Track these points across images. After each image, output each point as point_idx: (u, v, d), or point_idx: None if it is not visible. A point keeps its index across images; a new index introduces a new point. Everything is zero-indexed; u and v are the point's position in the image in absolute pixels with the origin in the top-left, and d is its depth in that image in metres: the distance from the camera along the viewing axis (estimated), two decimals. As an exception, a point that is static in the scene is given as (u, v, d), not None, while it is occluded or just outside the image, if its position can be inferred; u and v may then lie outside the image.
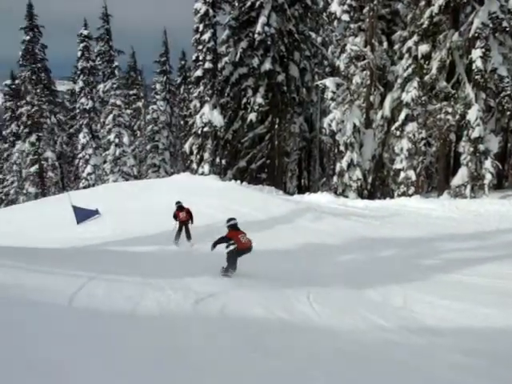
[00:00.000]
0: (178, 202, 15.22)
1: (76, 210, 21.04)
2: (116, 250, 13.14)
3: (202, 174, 31.95)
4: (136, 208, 20.45)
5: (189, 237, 14.65)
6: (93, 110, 45.53)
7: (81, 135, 45.11)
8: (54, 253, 11.87)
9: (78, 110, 47.10)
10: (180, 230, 14.79)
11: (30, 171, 45.20)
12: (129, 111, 46.79)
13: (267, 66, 31.24)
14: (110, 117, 40.71)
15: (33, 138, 44.99)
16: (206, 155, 32.84)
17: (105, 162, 41.91)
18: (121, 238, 15.24)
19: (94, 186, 40.36)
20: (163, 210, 16.61)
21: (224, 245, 9.86)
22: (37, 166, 45.14)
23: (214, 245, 9.90)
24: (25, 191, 45.79)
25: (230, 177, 32.47)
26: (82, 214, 20.99)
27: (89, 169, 43.65)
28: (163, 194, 21.71)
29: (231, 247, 9.79)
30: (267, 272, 10.39)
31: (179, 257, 12.54)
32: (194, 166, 33.66)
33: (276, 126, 33.47)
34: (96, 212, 21.48)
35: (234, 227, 10.13)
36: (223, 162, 34.85)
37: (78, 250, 13.44)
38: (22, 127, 46.46)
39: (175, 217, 14.93)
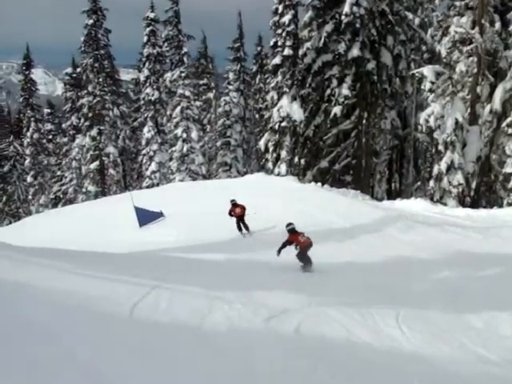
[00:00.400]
0: (232, 200, 18.41)
1: (138, 211, 21.76)
2: (181, 257, 13.42)
3: (279, 174, 32.20)
4: (204, 211, 20.87)
5: (247, 228, 17.82)
6: (159, 102, 46.90)
7: (145, 129, 46.53)
8: (115, 258, 12.31)
9: (142, 102, 48.56)
10: (239, 224, 17.91)
11: (90, 168, 47.13)
12: (198, 103, 47.87)
13: (355, 52, 30.98)
14: (178, 109, 41.88)
15: (94, 131, 46.86)
16: (284, 153, 33.08)
17: (171, 159, 43.16)
18: (187, 244, 15.64)
19: (158, 185, 41.63)
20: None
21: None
22: (97, 163, 47.01)
23: (279, 250, 12.39)
24: (84, 190, 47.81)
25: (310, 178, 32.47)
26: (145, 217, 21.68)
27: (153, 166, 45.15)
28: (235, 196, 22.07)
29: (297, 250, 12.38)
30: (350, 287, 10.35)
31: (250, 267, 12.66)
32: (270, 165, 34.01)
33: (364, 122, 33.13)
34: (160, 214, 22.15)
35: (293, 231, 12.66)
36: (302, 161, 34.92)
37: (139, 255, 13.88)
38: (82, 120, 48.47)
39: (230, 213, 18.11)
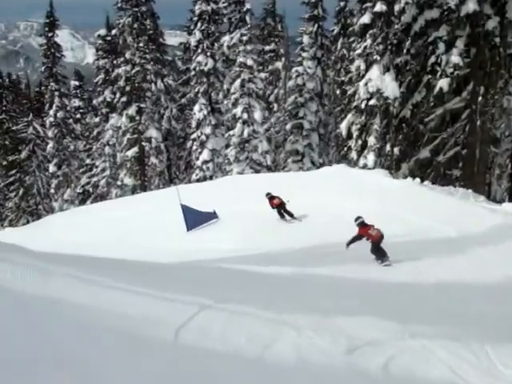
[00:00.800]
0: (268, 194, 23.04)
1: (186, 211, 22.08)
2: (238, 270, 13.55)
3: (365, 167, 31.93)
4: (268, 212, 20.95)
5: (291, 215, 22.42)
6: (213, 73, 47.15)
7: (196, 108, 46.85)
8: (158, 269, 12.52)
9: (193, 73, 48.78)
10: (280, 212, 22.68)
11: (127, 156, 47.86)
12: (263, 75, 47.99)
13: (471, 5, 30.22)
14: (238, 82, 42.11)
15: (132, 109, 47.60)
16: (372, 140, 32.77)
17: (227, 145, 43.44)
18: (245, 253, 15.82)
19: (211, 178, 42.04)
20: (311, 215, 16.98)
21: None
22: (136, 149, 47.75)
23: (348, 244, 15.40)
24: (119, 182, 48.64)
25: (406, 173, 32.07)
26: (195, 218, 22.06)
27: (205, 154, 45.48)
28: (309, 194, 22.05)
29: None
30: (456, 314, 10.21)
31: (325, 283, 12.69)
32: (353, 155, 33.78)
33: (480, 99, 32.36)
34: (213, 216, 22.43)
35: (362, 224, 15.59)
36: (396, 150, 34.49)
37: (186, 267, 14.07)
38: (118, 95, 49.29)
39: (272, 207, 22.71)
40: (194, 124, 47.11)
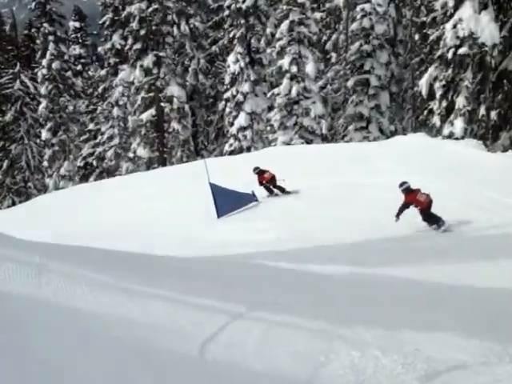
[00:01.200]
0: (256, 168, 25.59)
1: (217, 192, 22.06)
2: (281, 268, 13.40)
3: (451, 136, 31.62)
4: (319, 194, 20.76)
5: (282, 190, 24.91)
6: (253, 13, 47.01)
7: (230, 58, 46.74)
8: (178, 266, 12.48)
9: (226, 12, 48.91)
10: (269, 189, 25.40)
11: (141, 120, 47.90)
12: (318, 15, 47.70)
13: None
14: (285, 25, 41.80)
15: (148, 60, 47.62)
16: (461, 101, 32.40)
17: (270, 108, 43.26)
18: (291, 246, 15.72)
19: (249, 150, 41.97)
20: (377, 198, 17.15)
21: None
22: (153, 111, 47.80)
23: (398, 215, 17.65)
24: (131, 154, 48.75)
25: (505, 144, 31.66)
26: (228, 201, 22.27)
27: (242, 119, 45.40)
28: (376, 172, 21.87)
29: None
30: None
31: (394, 287, 12.49)
32: (436, 120, 33.47)
33: None
34: (251, 198, 22.47)
35: (408, 190, 17.83)
36: (493, 114, 34.05)
37: (216, 262, 14.05)
38: (130, 40, 49.33)
39: (261, 183, 25.49)
40: (227, 80, 47.05)
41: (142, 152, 47.55)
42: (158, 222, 21.93)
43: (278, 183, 25.21)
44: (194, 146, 50.18)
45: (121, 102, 51.26)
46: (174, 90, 47.03)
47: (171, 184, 27.60)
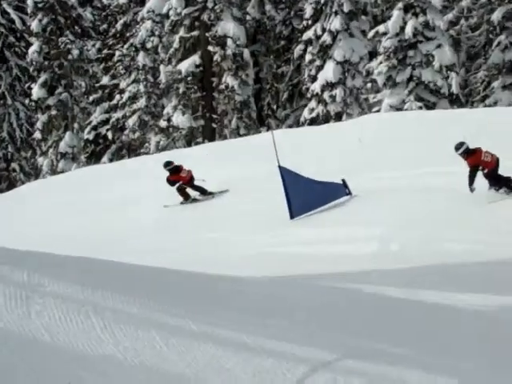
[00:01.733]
0: (167, 164, 23.84)
1: (290, 181, 19.64)
2: (386, 295, 11.30)
3: None
4: (442, 187, 18.59)
5: (203, 191, 23.59)
6: None
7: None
8: (231, 289, 10.24)
9: None
10: (185, 193, 23.89)
11: (178, 71, 43.13)
12: None
13: None
14: None
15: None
16: None
17: (372, 55, 39.15)
18: (401, 262, 14.00)
19: (339, 117, 38.86)
20: None
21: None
22: (198, 58, 43.20)
23: (470, 184, 16.89)
24: (164, 123, 44.25)
25: None
26: (306, 194, 19.75)
27: (329, 71, 40.27)
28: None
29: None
30: None
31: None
32: None
33: None
34: (341, 189, 20.08)
35: (467, 151, 17.04)
36: None
37: (287, 284, 12.01)
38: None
39: (174, 182, 23.78)
40: (308, 12, 42.23)
41: (180, 119, 42.96)
42: (207, 224, 20.29)
43: (197, 183, 23.83)
44: (256, 111, 45.93)
45: (149, 45, 45.42)
46: (228, 27, 42.02)
47: (221, 167, 25.99)
